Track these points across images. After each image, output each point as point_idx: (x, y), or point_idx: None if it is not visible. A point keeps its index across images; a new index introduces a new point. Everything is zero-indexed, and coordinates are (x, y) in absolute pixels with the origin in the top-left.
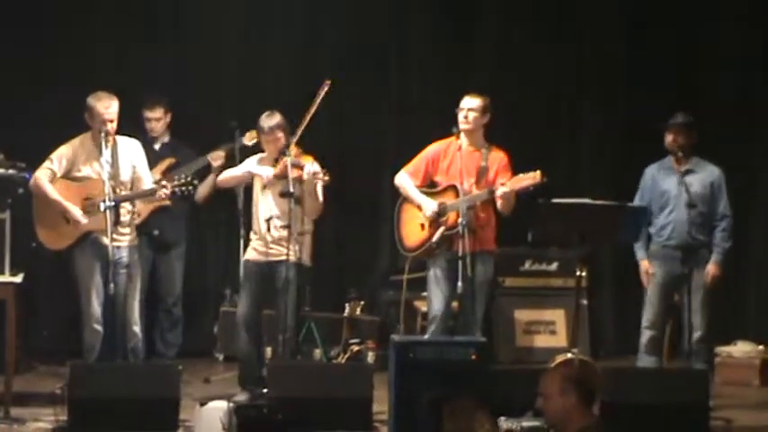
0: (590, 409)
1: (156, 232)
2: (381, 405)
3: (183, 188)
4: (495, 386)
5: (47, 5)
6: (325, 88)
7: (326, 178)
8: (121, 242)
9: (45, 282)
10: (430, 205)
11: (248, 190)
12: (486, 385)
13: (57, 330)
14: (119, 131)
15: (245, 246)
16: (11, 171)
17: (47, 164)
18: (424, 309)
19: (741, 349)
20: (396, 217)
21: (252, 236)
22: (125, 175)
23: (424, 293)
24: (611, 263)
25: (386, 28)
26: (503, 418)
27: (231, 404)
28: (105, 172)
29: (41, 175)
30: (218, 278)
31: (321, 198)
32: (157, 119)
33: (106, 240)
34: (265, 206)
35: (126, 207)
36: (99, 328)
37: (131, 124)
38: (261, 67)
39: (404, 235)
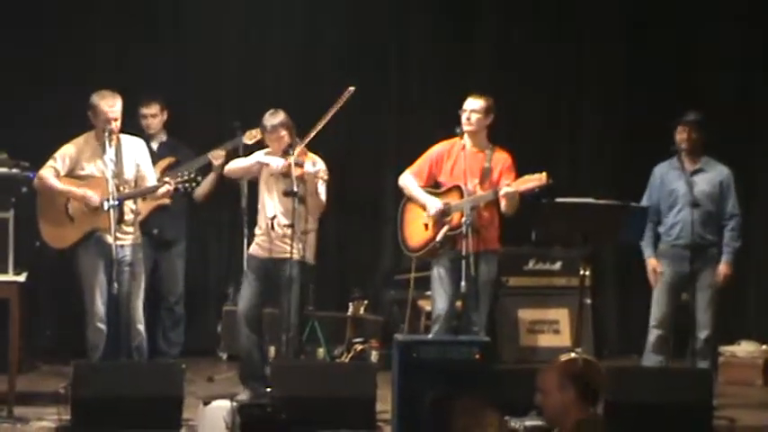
0: (588, 405)
1: (155, 231)
2: (385, 404)
3: (187, 184)
4: (499, 386)
5: (47, 5)
6: (347, 95)
7: (326, 177)
8: (125, 241)
9: (48, 281)
10: (434, 203)
11: (252, 188)
12: (490, 385)
13: (60, 329)
14: (120, 131)
15: (249, 244)
16: (14, 170)
17: (50, 162)
18: (427, 308)
19: (744, 349)
20: (399, 217)
21: (257, 231)
22: (129, 174)
23: (428, 293)
24: (614, 262)
25: (386, 28)
26: (507, 418)
27: (234, 403)
28: (109, 170)
29: (45, 173)
30: (221, 277)
31: (324, 197)
32: (153, 115)
33: (110, 239)
34: (269, 204)
35: (129, 206)
36: (103, 327)
37: (135, 123)
38: (261, 66)
39: (407, 235)
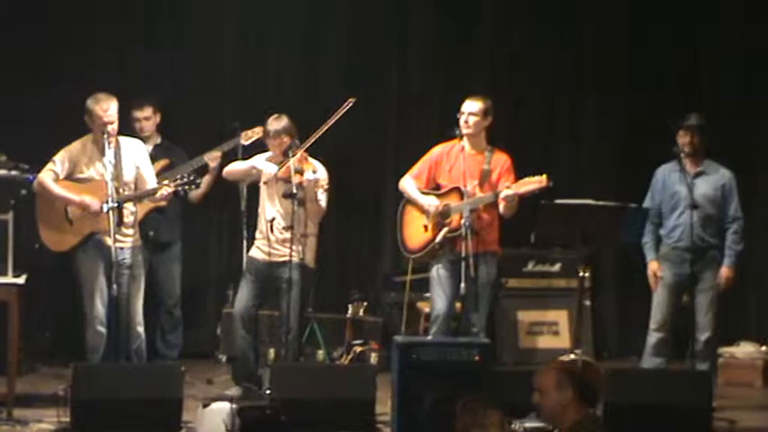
0: (586, 405)
1: (151, 233)
2: (384, 406)
3: (186, 187)
4: (498, 387)
5: (46, 5)
6: (348, 106)
7: (326, 186)
8: (125, 243)
9: (48, 283)
10: (432, 202)
11: (251, 191)
12: (489, 386)
13: (59, 331)
14: (119, 133)
15: (249, 246)
16: (14, 172)
17: (50, 165)
18: (426, 310)
19: (744, 350)
20: (398, 219)
21: (257, 235)
22: (128, 176)
23: (427, 294)
24: (613, 264)
25: (386, 29)
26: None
27: (234, 405)
28: (108, 173)
29: (45, 177)
30: (220, 279)
31: (324, 203)
32: (146, 118)
33: (109, 241)
34: (269, 207)
35: (129, 208)
36: (102, 329)
37: (129, 126)
38: (261, 68)
39: (406, 237)
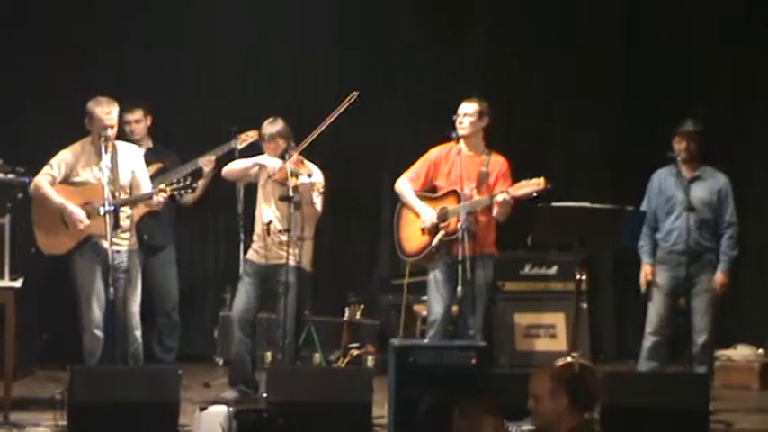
0: (581, 411)
1: (145, 237)
2: (381, 409)
3: (183, 191)
4: (495, 390)
5: (45, 6)
6: (350, 100)
7: (322, 190)
8: (121, 246)
9: (45, 286)
10: (428, 215)
11: (248, 193)
12: (486, 389)
13: (56, 335)
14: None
15: (246, 250)
16: (10, 176)
17: (46, 169)
18: (423, 313)
19: (741, 353)
20: (395, 222)
21: (254, 237)
22: (124, 180)
23: (424, 297)
24: (610, 266)
25: (382, 32)
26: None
27: (231, 409)
28: (105, 176)
29: (41, 180)
30: (217, 282)
31: (319, 206)
32: (137, 121)
33: (106, 245)
34: (265, 210)
35: (125, 212)
36: (99, 333)
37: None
38: (257, 71)
39: (403, 240)
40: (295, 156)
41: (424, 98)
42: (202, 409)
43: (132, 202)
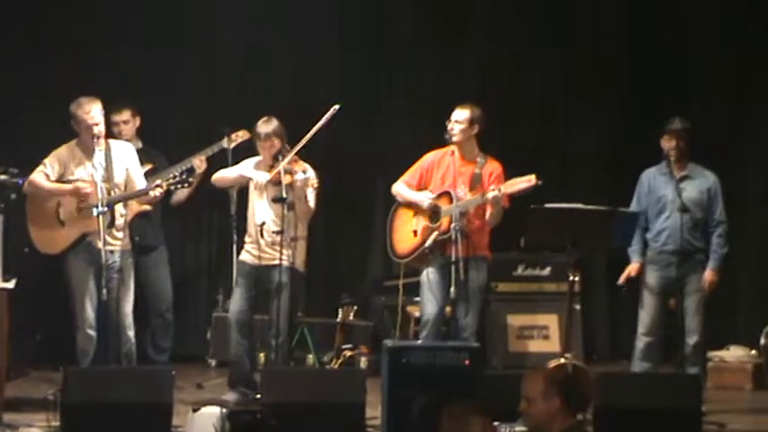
0: (573, 413)
1: (137, 238)
2: (374, 410)
3: (179, 185)
4: (488, 391)
5: (44, 6)
6: (332, 113)
7: (316, 185)
8: (114, 246)
9: (38, 287)
10: (426, 195)
11: (242, 195)
12: (479, 390)
13: (49, 335)
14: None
15: (239, 251)
16: (3, 176)
17: (40, 167)
18: (417, 314)
19: (734, 354)
20: (388, 224)
21: (246, 238)
22: (119, 178)
23: (417, 299)
24: (603, 268)
25: (378, 33)
26: (496, 423)
27: (224, 410)
28: (99, 175)
29: (36, 177)
30: (210, 283)
31: (312, 203)
32: (125, 121)
33: (100, 244)
34: (259, 211)
35: (120, 210)
36: (92, 333)
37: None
38: (253, 71)
39: (396, 242)
40: (289, 156)
41: (424, 98)
42: (195, 410)
43: (128, 198)
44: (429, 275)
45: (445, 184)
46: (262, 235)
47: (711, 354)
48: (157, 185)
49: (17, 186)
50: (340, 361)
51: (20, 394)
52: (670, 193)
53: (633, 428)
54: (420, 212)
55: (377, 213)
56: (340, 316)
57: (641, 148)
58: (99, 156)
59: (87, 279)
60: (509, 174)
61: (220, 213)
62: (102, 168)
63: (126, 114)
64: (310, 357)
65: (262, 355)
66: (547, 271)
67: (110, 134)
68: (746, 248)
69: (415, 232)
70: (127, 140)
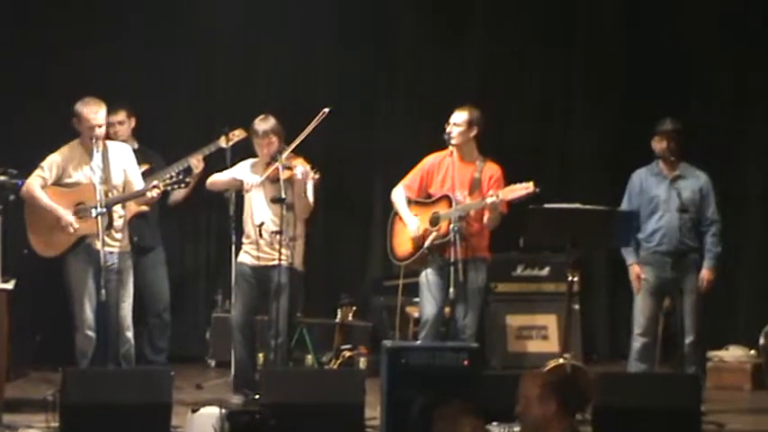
0: (568, 416)
1: (135, 239)
2: (373, 411)
3: (176, 185)
4: (487, 391)
5: (43, 6)
6: (322, 117)
7: (317, 176)
8: (113, 248)
9: (37, 288)
10: (414, 227)
11: (240, 195)
12: (478, 391)
13: (49, 336)
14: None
15: (237, 251)
16: (2, 178)
17: (38, 171)
18: (415, 314)
19: (733, 354)
20: (389, 228)
21: (244, 239)
22: (117, 179)
23: (416, 299)
24: (602, 268)
25: (377, 33)
26: (495, 423)
27: (223, 410)
28: (97, 177)
29: (33, 183)
30: (209, 284)
31: (312, 198)
32: (120, 122)
33: (98, 246)
34: (257, 211)
35: (119, 212)
36: (91, 334)
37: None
38: (251, 71)
39: (395, 245)
40: (286, 152)
41: (424, 98)
42: (194, 411)
43: (126, 199)
44: (428, 276)
45: (444, 188)
46: (261, 235)
47: (711, 354)
48: (155, 186)
49: (16, 187)
50: (339, 361)
51: (19, 395)
52: (663, 193)
53: (632, 428)
54: (419, 216)
55: (376, 213)
56: (339, 316)
57: (641, 148)
58: (96, 157)
59: (86, 280)
60: (509, 174)
61: (219, 214)
62: (100, 170)
63: (121, 115)
64: (309, 358)
65: (261, 355)
66: (546, 271)
67: (105, 135)
68: (746, 248)
69: (413, 241)
70: (122, 141)
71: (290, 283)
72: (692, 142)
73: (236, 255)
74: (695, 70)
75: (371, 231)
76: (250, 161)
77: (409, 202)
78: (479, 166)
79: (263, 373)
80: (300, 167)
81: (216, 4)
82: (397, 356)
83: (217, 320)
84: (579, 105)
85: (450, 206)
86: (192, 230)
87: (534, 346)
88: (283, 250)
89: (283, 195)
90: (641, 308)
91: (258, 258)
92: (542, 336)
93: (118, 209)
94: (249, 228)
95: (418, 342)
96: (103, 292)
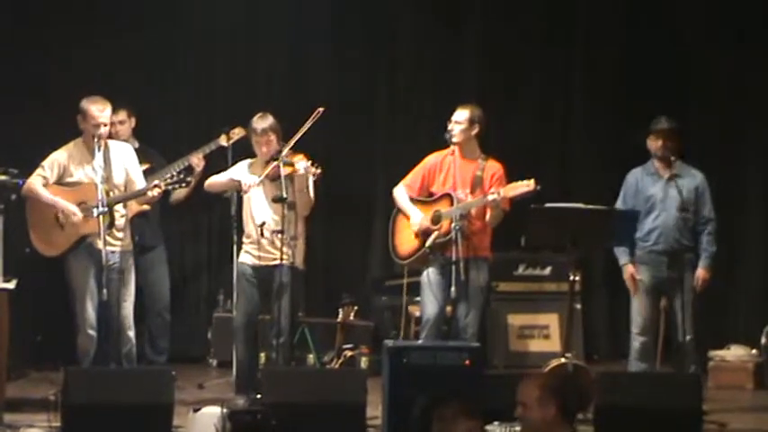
0: (568, 420)
1: (136, 238)
2: (375, 410)
3: (177, 185)
4: (489, 391)
5: (43, 6)
6: (316, 116)
7: (318, 171)
8: (115, 247)
9: (39, 288)
10: (418, 218)
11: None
12: (480, 390)
13: (50, 336)
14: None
15: (239, 251)
16: (3, 177)
17: (39, 171)
18: (417, 314)
19: (734, 353)
20: (390, 227)
21: (244, 239)
22: (118, 179)
23: (418, 298)
24: (604, 267)
25: (375, 32)
26: (496, 423)
27: (225, 410)
28: (98, 176)
29: (34, 181)
30: (211, 284)
31: (312, 194)
32: (121, 122)
33: (100, 245)
34: (258, 211)
35: (120, 211)
36: (93, 333)
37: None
38: (251, 71)
39: (397, 244)
40: (285, 149)
41: (424, 98)
42: (196, 411)
43: (127, 199)
44: (429, 275)
45: (446, 186)
46: (262, 234)
47: (712, 353)
48: (156, 185)
49: (17, 187)
50: (341, 361)
51: (20, 395)
52: (659, 192)
53: (634, 428)
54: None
55: (377, 213)
56: (340, 316)
57: (641, 149)
58: (98, 157)
59: (88, 279)
60: (510, 174)
61: (221, 214)
62: (102, 169)
63: (122, 115)
64: (311, 357)
65: (263, 354)
66: (547, 271)
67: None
68: (746, 248)
69: (417, 234)
70: (123, 141)
71: (291, 283)
72: (691, 142)
73: (238, 255)
74: (695, 70)
75: (372, 231)
76: (247, 161)
77: (411, 200)
78: (481, 164)
79: (265, 372)
80: (303, 162)
81: (216, 4)
82: (398, 356)
83: (218, 320)
84: (579, 105)
85: (452, 204)
86: (192, 230)
87: (536, 346)
88: (285, 249)
89: (285, 195)
90: (638, 307)
91: (260, 258)
92: (544, 335)
93: (119, 208)
94: (250, 227)
95: (420, 341)
96: (105, 291)
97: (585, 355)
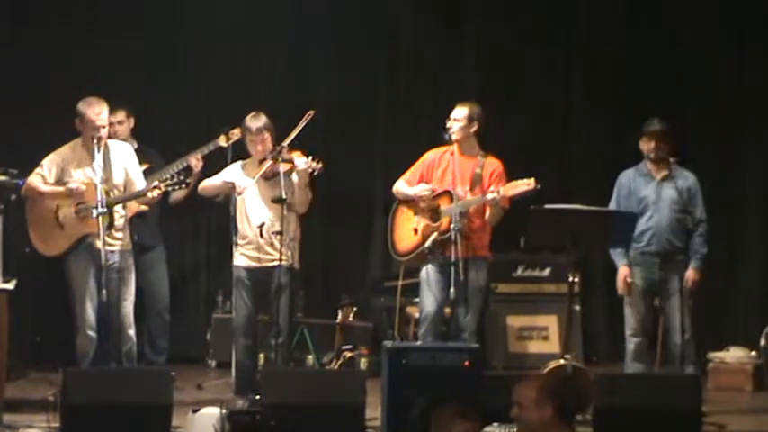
0: (565, 421)
1: (135, 238)
2: (374, 411)
3: (176, 186)
4: (488, 392)
5: (43, 5)
6: (308, 118)
7: (319, 165)
8: (114, 246)
9: (38, 288)
10: (423, 187)
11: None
12: (479, 391)
13: (50, 336)
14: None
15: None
16: (3, 177)
17: (38, 170)
18: (416, 315)
19: (733, 355)
20: (389, 222)
21: (239, 241)
22: (118, 179)
23: (417, 299)
24: (603, 268)
25: (375, 32)
26: (495, 424)
27: (224, 410)
28: (98, 177)
29: (33, 180)
30: (210, 284)
31: (310, 192)
32: (120, 122)
33: (99, 245)
34: (255, 211)
35: (119, 211)
36: (93, 333)
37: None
38: (251, 71)
39: (396, 240)
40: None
41: (424, 98)
42: (195, 411)
43: (126, 200)
44: (429, 272)
45: (445, 183)
46: (261, 235)
47: (711, 355)
48: (155, 187)
49: (17, 187)
50: (340, 362)
51: (20, 395)
52: (652, 193)
53: (633, 429)
54: (420, 211)
55: (377, 214)
56: (340, 317)
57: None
58: (98, 157)
59: (88, 280)
60: (510, 174)
61: (219, 214)
62: (101, 170)
63: (121, 115)
64: (310, 358)
65: (261, 355)
66: (546, 272)
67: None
68: (746, 249)
69: (416, 230)
70: (123, 140)
71: (290, 283)
72: (691, 142)
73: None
74: (695, 70)
75: (372, 232)
76: (239, 163)
77: (411, 201)
78: (480, 162)
79: (264, 373)
80: (302, 158)
81: (216, 4)
82: (397, 357)
83: (217, 321)
84: (579, 105)
85: (452, 202)
86: (192, 230)
87: (535, 347)
88: (284, 250)
89: (284, 195)
90: (632, 309)
91: (258, 260)
92: (543, 336)
93: (119, 208)
94: (245, 229)
95: (419, 342)
96: (104, 291)
97: (584, 357)
